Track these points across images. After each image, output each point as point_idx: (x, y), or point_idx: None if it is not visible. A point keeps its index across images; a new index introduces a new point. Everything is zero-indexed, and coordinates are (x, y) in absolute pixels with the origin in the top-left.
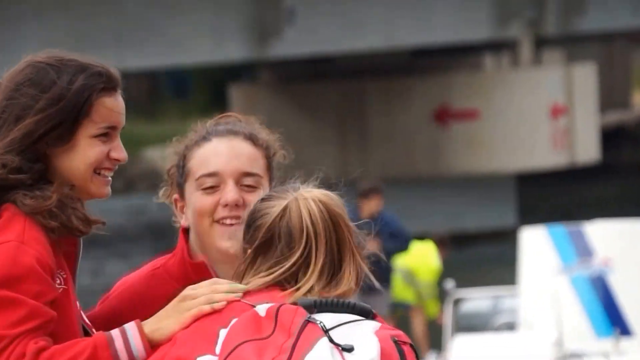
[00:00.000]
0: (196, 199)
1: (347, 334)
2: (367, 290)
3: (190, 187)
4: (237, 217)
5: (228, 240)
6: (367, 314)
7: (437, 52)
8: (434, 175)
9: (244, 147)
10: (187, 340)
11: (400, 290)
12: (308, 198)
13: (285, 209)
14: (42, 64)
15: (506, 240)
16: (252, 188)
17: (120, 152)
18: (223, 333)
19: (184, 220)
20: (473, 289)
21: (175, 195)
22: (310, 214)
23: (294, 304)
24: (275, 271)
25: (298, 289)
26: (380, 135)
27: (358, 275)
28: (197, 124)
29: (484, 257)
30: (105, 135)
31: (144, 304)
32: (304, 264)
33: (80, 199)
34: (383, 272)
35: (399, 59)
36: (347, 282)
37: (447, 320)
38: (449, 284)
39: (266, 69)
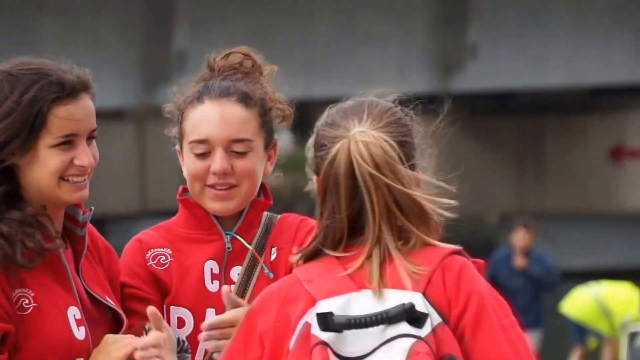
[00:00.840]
0: (189, 162)
1: None
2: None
3: (184, 147)
4: (227, 184)
5: (219, 203)
6: (413, 316)
7: (615, 91)
8: (608, 211)
9: (235, 112)
10: (266, 338)
11: (595, 319)
12: (359, 141)
13: (336, 153)
14: (5, 74)
15: None
16: (242, 154)
17: (84, 159)
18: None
19: (184, 170)
20: None
21: (177, 146)
22: (360, 162)
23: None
24: (331, 240)
25: (357, 267)
26: (557, 170)
27: (430, 225)
28: (212, 58)
29: None
30: (67, 143)
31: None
32: (352, 223)
33: (44, 222)
34: (536, 308)
35: (578, 96)
36: (418, 238)
37: (623, 353)
38: (625, 317)
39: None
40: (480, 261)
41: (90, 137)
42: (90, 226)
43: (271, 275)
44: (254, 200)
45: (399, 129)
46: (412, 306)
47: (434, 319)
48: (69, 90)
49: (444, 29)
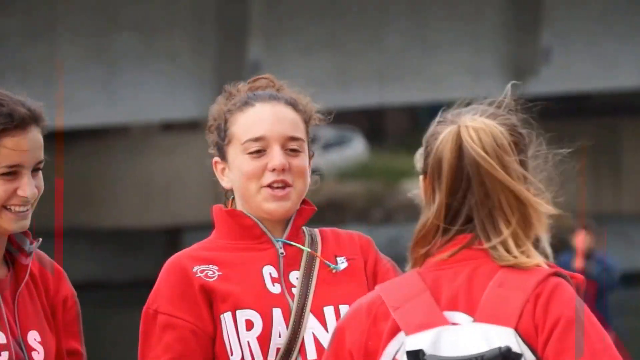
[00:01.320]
0: (243, 163)
1: None
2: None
3: (234, 151)
4: (284, 182)
5: (275, 203)
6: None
7: None
8: None
9: (286, 112)
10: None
11: None
12: (469, 126)
13: (443, 137)
14: None
15: None
16: (297, 152)
17: (27, 190)
18: None
19: (225, 182)
20: None
21: (216, 158)
22: (471, 144)
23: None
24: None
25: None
26: (632, 172)
27: (531, 231)
28: (235, 87)
29: None
30: (12, 174)
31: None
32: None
33: None
34: (599, 310)
35: None
36: (523, 243)
37: None
38: None
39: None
40: (579, 276)
41: (36, 169)
42: (41, 254)
43: (334, 269)
44: (299, 208)
45: (512, 130)
46: (508, 350)
47: (528, 358)
48: (18, 122)
49: (516, 33)
